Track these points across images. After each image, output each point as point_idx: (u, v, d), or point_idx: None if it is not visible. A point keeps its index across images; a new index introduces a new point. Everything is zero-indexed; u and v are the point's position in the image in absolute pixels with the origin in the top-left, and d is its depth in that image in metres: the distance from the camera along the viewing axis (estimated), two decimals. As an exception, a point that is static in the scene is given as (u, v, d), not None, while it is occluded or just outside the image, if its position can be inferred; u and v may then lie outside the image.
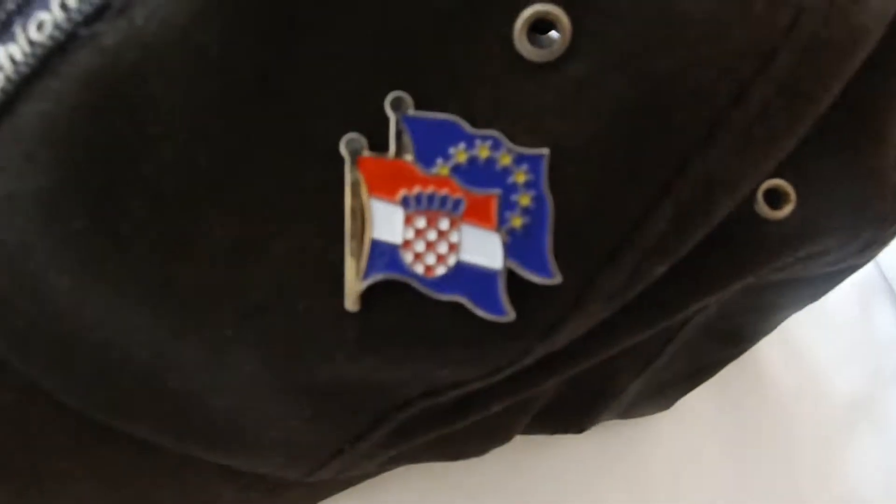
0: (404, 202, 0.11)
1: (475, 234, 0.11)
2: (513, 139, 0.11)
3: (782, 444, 0.26)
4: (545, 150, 0.11)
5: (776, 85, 0.11)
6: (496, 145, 0.11)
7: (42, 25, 0.11)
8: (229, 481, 0.16)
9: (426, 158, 0.11)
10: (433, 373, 0.13)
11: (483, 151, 0.11)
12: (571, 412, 0.21)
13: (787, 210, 0.14)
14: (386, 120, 0.11)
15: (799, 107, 0.12)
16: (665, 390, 0.23)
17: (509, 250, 0.11)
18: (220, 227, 0.11)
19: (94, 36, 0.11)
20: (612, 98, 0.11)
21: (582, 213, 0.11)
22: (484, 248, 0.11)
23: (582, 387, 0.19)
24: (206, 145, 0.11)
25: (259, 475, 0.15)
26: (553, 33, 0.11)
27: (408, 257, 0.11)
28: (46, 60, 0.11)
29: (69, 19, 0.11)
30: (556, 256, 0.11)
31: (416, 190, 0.11)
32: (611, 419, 0.23)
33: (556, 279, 0.11)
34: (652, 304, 0.14)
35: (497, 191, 0.11)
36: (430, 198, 0.11)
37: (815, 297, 0.20)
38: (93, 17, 0.11)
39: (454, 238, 0.11)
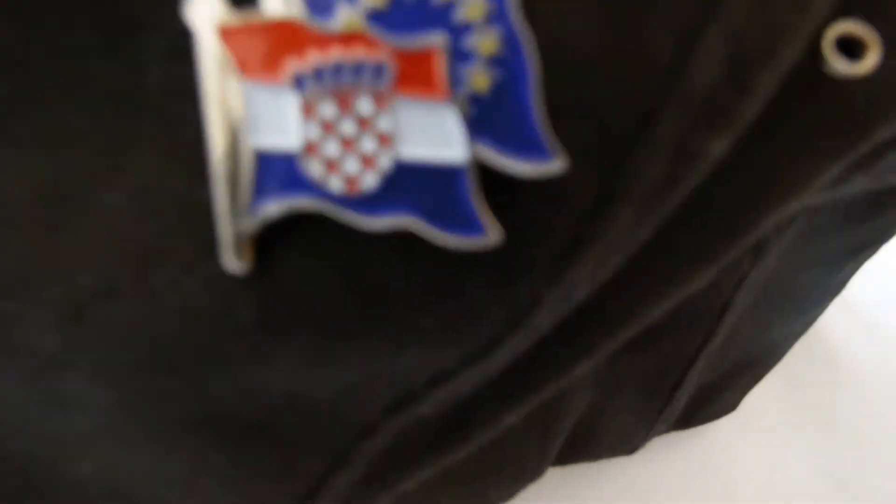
0: (297, 82, 0.07)
1: (417, 113, 0.07)
2: (453, -43, 0.07)
3: (868, 436, 0.23)
4: (506, -39, 0.07)
5: None
6: (427, -35, 0.07)
7: None
8: None
9: (321, 6, 0.07)
10: (392, 363, 0.08)
11: (408, -21, 0.07)
12: (616, 428, 0.17)
13: (870, 61, 0.10)
14: (250, -37, 0.07)
15: None
16: (726, 384, 0.19)
17: (475, 127, 0.07)
18: (15, 177, 0.07)
19: None
20: None
21: (583, 58, 0.07)
22: (434, 132, 0.07)
23: (624, 388, 0.15)
24: None
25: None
26: None
27: (315, 168, 0.07)
28: None
29: None
30: (556, 131, 0.07)
31: (314, 59, 0.07)
32: (667, 432, 0.19)
33: (557, 164, 0.07)
34: (705, 224, 0.10)
35: (440, 37, 0.07)
36: (337, 68, 0.07)
37: (891, 226, 0.16)
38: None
39: (384, 125, 0.07)
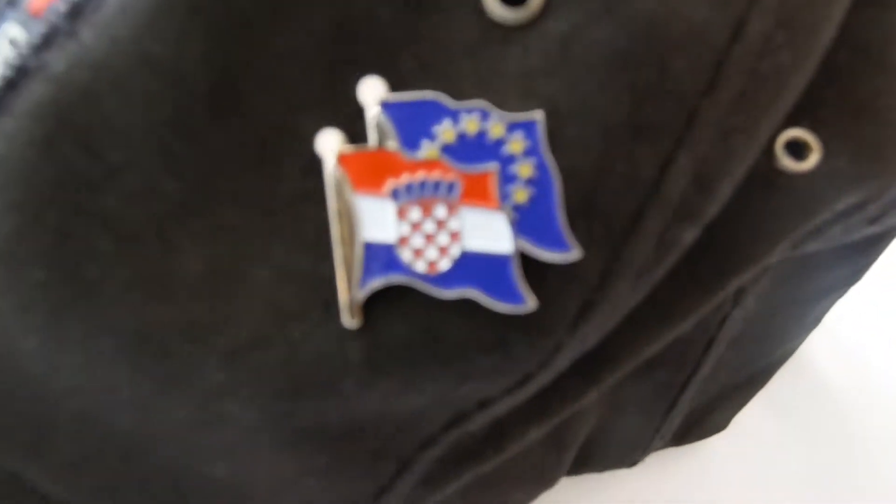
0: (394, 194, 0.10)
1: (477, 217, 0.10)
2: (503, 109, 0.10)
3: (849, 451, 0.24)
4: (539, 113, 0.10)
5: (773, 17, 0.11)
6: (484, 116, 0.10)
7: None
8: None
9: (411, 142, 0.10)
10: (455, 392, 0.11)
11: (471, 125, 0.10)
12: (619, 443, 0.19)
13: (812, 161, 0.13)
14: (361, 110, 0.10)
15: (801, 39, 0.11)
16: (716, 406, 0.21)
17: (518, 228, 0.10)
18: (194, 258, 0.10)
19: (44, 65, 0.10)
20: (602, 50, 0.10)
21: (592, 177, 0.10)
22: (489, 231, 0.10)
23: (626, 409, 0.18)
24: (171, 168, 0.10)
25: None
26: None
27: (406, 255, 0.10)
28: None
29: (19, 55, 0.10)
30: (572, 229, 0.10)
31: (405, 178, 0.10)
32: (664, 447, 0.21)
33: (575, 253, 0.10)
34: (686, 285, 0.13)
35: (493, 165, 0.10)
36: (422, 184, 0.10)
37: (857, 272, 0.18)
38: (41, 47, 0.10)
39: (454, 225, 0.10)
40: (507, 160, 0.10)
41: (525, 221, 0.10)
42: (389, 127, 0.10)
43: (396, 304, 0.10)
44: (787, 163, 0.13)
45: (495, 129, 0.10)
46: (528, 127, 0.10)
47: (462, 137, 0.10)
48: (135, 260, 0.10)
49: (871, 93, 0.13)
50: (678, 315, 0.13)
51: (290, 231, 0.10)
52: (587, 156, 0.10)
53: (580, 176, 0.10)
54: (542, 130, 0.10)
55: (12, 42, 0.10)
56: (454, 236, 0.10)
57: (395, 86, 0.10)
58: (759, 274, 0.16)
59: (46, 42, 0.10)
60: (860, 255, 0.17)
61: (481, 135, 0.10)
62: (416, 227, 0.10)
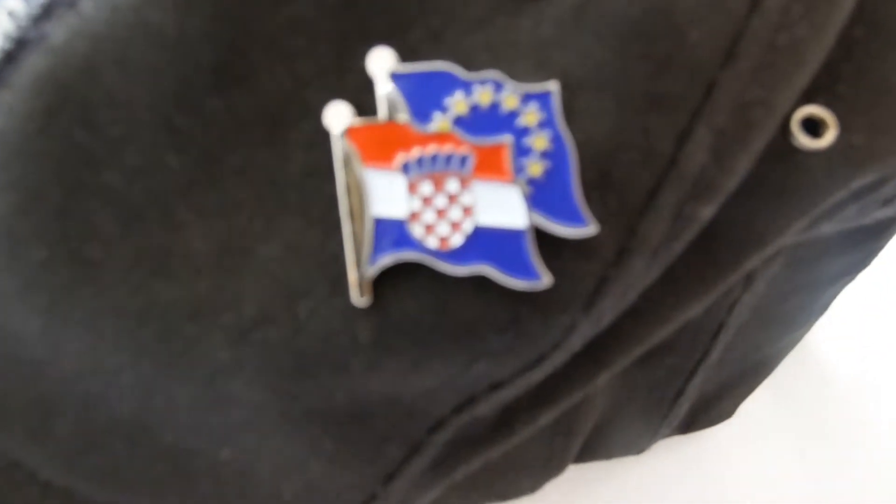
0: (405, 168, 0.10)
1: (491, 191, 0.10)
2: (516, 80, 0.10)
3: (854, 439, 0.24)
4: (554, 84, 0.10)
5: None
6: (498, 87, 0.10)
7: None
8: None
9: (422, 115, 0.10)
10: (465, 373, 0.11)
11: (484, 97, 0.10)
12: (627, 430, 0.19)
13: (829, 137, 0.12)
14: (370, 82, 0.10)
15: (818, 12, 0.11)
16: (723, 394, 0.21)
17: (532, 202, 0.10)
18: (200, 235, 0.10)
19: (43, 37, 0.10)
20: (616, 20, 0.10)
21: (608, 149, 0.10)
22: (503, 205, 0.10)
23: (634, 396, 0.17)
24: (175, 143, 0.10)
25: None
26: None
27: (417, 231, 0.10)
28: None
29: (18, 27, 0.10)
30: (588, 203, 0.10)
31: (416, 152, 0.10)
32: (670, 435, 0.21)
33: (591, 228, 0.10)
34: (701, 264, 0.12)
35: (507, 137, 0.10)
36: (433, 158, 0.10)
37: (867, 257, 0.18)
38: (41, 17, 0.10)
39: (467, 200, 0.10)
40: (522, 132, 0.10)
41: (540, 195, 0.10)
42: (400, 99, 0.10)
43: (407, 281, 0.10)
44: (804, 140, 0.12)
45: (509, 100, 0.10)
46: (542, 98, 0.10)
47: (475, 109, 0.10)
48: (138, 238, 0.10)
49: (889, 69, 0.13)
50: (692, 296, 0.13)
51: (298, 206, 0.10)
52: (602, 128, 0.10)
53: (595, 149, 0.10)
54: (557, 101, 0.10)
55: (11, 14, 0.10)
56: (467, 211, 0.10)
57: (405, 57, 0.10)
58: (771, 257, 0.16)
59: (46, 13, 0.10)
60: (871, 239, 0.17)
61: (494, 106, 0.10)
62: (427, 201, 0.10)
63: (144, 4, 0.09)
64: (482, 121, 0.10)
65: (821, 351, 0.26)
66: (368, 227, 0.10)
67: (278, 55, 0.10)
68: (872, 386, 0.26)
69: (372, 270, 0.10)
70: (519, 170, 0.10)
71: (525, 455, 0.16)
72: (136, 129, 0.10)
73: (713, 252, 0.12)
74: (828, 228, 0.15)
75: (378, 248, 0.10)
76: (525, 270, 0.10)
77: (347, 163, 0.10)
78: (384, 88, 0.10)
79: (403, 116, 0.10)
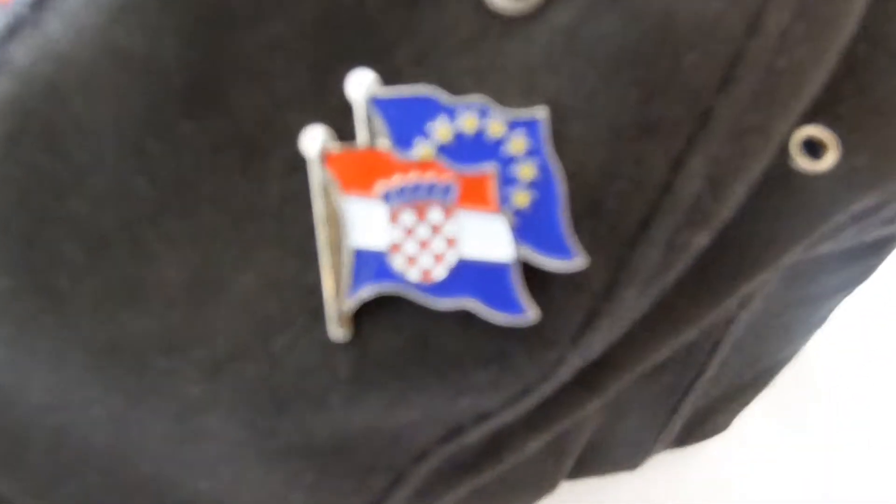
0: (385, 197, 0.09)
1: (475, 221, 0.09)
2: (503, 106, 0.09)
3: (849, 453, 0.24)
4: (542, 110, 0.09)
5: (791, 9, 0.10)
6: (483, 113, 0.09)
7: None
8: None
9: (403, 141, 0.09)
10: (450, 406, 0.10)
11: (469, 123, 0.09)
12: (621, 447, 0.18)
13: (829, 160, 0.12)
14: (349, 106, 0.09)
15: (820, 32, 0.10)
16: (718, 407, 0.20)
17: (519, 233, 0.09)
18: (171, 265, 0.10)
19: (8, 59, 0.09)
20: (608, 44, 0.09)
21: (598, 179, 0.09)
22: (488, 236, 0.09)
23: (628, 414, 0.17)
24: (144, 168, 0.09)
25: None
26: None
27: (398, 262, 0.09)
28: None
29: None
30: (577, 235, 0.09)
31: (398, 180, 0.09)
32: (665, 449, 0.20)
33: (580, 261, 0.09)
34: (696, 290, 0.12)
35: (492, 165, 0.09)
36: (415, 187, 0.09)
37: (866, 272, 0.18)
38: (6, 38, 0.09)
39: (451, 230, 0.09)
40: (508, 161, 0.09)
41: (526, 227, 0.09)
42: (380, 123, 0.09)
43: (388, 313, 0.10)
44: (803, 163, 0.12)
45: (495, 127, 0.09)
46: (530, 125, 0.09)
47: (459, 136, 0.09)
48: (106, 267, 0.10)
49: (892, 88, 0.12)
50: (686, 322, 0.12)
51: (274, 235, 0.10)
52: (593, 156, 0.09)
53: (585, 178, 0.09)
54: (546, 129, 0.09)
55: None
56: (450, 242, 0.09)
57: (388, 80, 0.09)
58: (769, 276, 0.15)
59: (11, 33, 0.09)
60: (871, 256, 0.17)
61: (480, 133, 0.09)
62: (409, 232, 0.09)
63: (112, 25, 0.09)
64: (467, 148, 0.09)
65: (816, 363, 0.26)
66: (348, 259, 0.09)
67: (254, 77, 0.10)
68: (868, 398, 0.25)
69: (351, 303, 0.10)
70: (505, 200, 0.09)
71: (515, 476, 0.15)
72: (103, 154, 0.09)
73: (708, 277, 0.12)
74: (825, 249, 0.14)
75: (358, 280, 0.09)
76: (511, 305, 0.09)
77: (326, 190, 0.09)
78: (363, 113, 0.09)
79: (385, 142, 0.09)
